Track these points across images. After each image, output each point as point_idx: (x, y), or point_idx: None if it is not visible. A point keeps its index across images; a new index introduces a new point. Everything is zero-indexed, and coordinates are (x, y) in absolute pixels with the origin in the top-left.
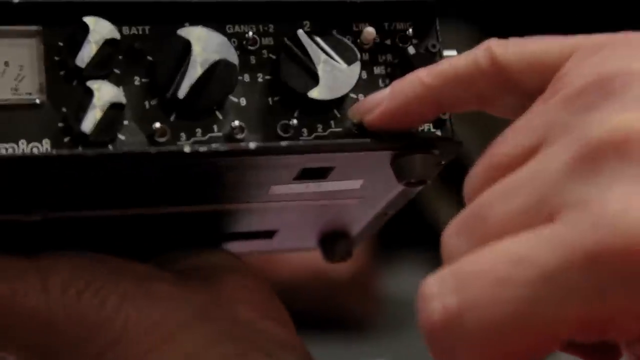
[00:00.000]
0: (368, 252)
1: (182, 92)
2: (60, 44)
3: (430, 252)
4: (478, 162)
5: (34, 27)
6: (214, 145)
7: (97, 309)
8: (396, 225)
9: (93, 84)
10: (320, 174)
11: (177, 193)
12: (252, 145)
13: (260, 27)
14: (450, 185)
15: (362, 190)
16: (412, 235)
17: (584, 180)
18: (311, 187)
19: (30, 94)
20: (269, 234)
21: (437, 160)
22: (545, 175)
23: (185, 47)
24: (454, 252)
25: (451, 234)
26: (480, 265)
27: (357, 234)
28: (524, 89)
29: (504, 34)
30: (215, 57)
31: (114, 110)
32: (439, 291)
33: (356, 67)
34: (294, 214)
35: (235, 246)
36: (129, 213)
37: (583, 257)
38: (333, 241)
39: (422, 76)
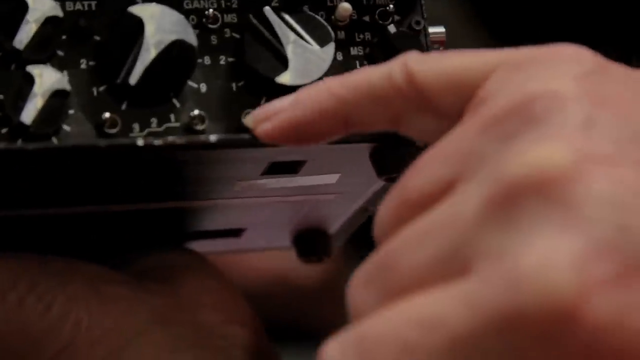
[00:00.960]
0: (339, 253)
1: (134, 78)
2: None
3: None
4: (387, 198)
5: None
6: (170, 138)
7: (42, 314)
8: (370, 221)
9: (33, 69)
10: (291, 168)
11: (131, 189)
12: (213, 137)
13: (222, 2)
14: None
15: (339, 186)
16: None
17: (500, 227)
18: (282, 182)
19: None
20: (236, 232)
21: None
22: (459, 219)
23: (138, 26)
24: (361, 308)
25: (358, 285)
26: (386, 329)
27: (337, 232)
28: (443, 110)
29: (496, 7)
30: (171, 37)
31: (57, 98)
32: (339, 359)
33: (330, 48)
34: (264, 211)
35: (199, 245)
36: (79, 211)
37: (497, 321)
38: (309, 239)
39: (333, 86)
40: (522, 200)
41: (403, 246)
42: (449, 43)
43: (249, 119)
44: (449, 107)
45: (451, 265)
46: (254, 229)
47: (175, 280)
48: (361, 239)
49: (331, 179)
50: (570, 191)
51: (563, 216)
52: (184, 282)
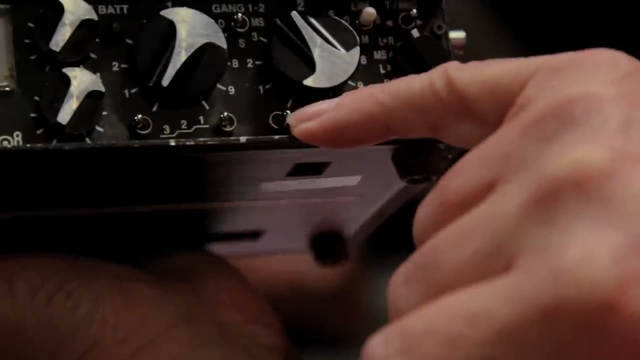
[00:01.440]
0: (356, 258)
1: (166, 80)
2: (31, 25)
3: None
4: (428, 198)
5: (1, 6)
6: (201, 139)
7: (70, 313)
8: (390, 226)
9: (70, 72)
10: (315, 169)
11: (158, 190)
12: (242, 139)
13: (250, 6)
14: None
15: (360, 187)
16: (408, 238)
17: (542, 223)
18: (305, 183)
19: None
20: (255, 235)
21: (443, 154)
22: (501, 217)
23: (169, 29)
24: (402, 305)
25: (399, 283)
26: (431, 323)
27: (353, 235)
28: (482, 116)
29: (519, 12)
30: (202, 40)
31: (92, 99)
32: (385, 352)
33: (355, 52)
34: (284, 213)
35: (218, 248)
36: (106, 212)
37: (541, 313)
38: (326, 242)
39: (376, 92)
40: (563, 197)
41: (445, 244)
42: (471, 45)
43: (291, 117)
44: (488, 114)
45: (494, 262)
46: (272, 231)
47: (197, 280)
48: (378, 244)
49: (352, 180)
50: (609, 188)
51: (602, 212)
52: (205, 282)
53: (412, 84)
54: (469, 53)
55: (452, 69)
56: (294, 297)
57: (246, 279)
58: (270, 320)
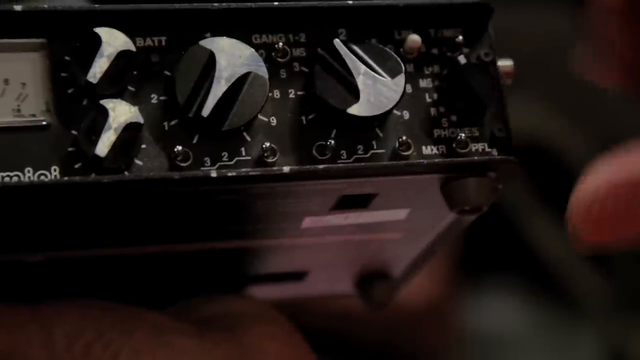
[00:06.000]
0: (449, 276)
1: (206, 110)
2: (67, 58)
3: (525, 277)
4: None
5: (37, 40)
6: (243, 170)
7: None
8: (485, 244)
9: (108, 103)
10: (361, 202)
11: (198, 228)
12: (286, 169)
13: (291, 36)
14: (548, 198)
15: (408, 222)
16: (504, 256)
17: None
18: (350, 218)
19: (34, 115)
20: (299, 276)
21: (494, 184)
22: None
23: (209, 59)
24: None
25: None
26: None
27: (399, 276)
28: None
29: None
30: (243, 70)
31: (130, 131)
32: None
33: (400, 79)
34: (329, 252)
35: (260, 290)
36: (143, 252)
37: None
38: (372, 284)
39: None
40: None
41: None
42: None
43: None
44: None
45: None
46: (317, 272)
47: (239, 328)
48: (471, 265)
49: (401, 214)
50: None
51: None
52: (247, 330)
53: None
54: None
55: None
56: (382, 315)
57: (291, 325)
58: None
